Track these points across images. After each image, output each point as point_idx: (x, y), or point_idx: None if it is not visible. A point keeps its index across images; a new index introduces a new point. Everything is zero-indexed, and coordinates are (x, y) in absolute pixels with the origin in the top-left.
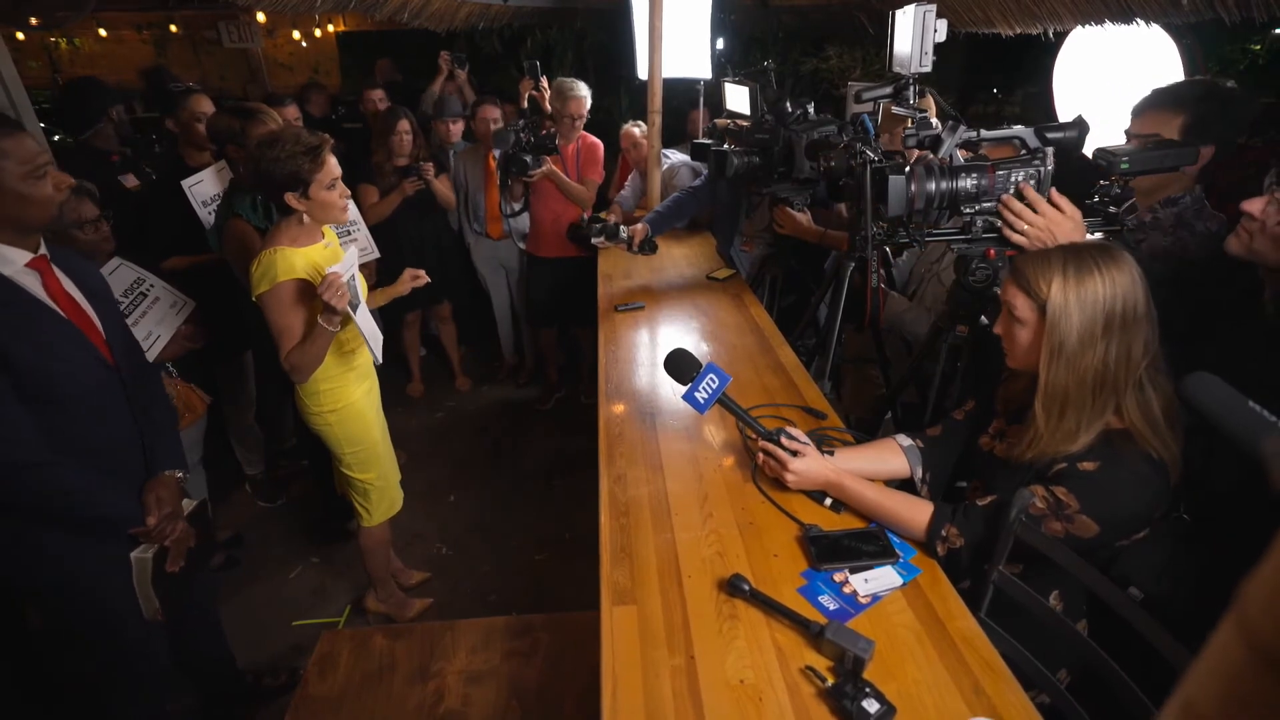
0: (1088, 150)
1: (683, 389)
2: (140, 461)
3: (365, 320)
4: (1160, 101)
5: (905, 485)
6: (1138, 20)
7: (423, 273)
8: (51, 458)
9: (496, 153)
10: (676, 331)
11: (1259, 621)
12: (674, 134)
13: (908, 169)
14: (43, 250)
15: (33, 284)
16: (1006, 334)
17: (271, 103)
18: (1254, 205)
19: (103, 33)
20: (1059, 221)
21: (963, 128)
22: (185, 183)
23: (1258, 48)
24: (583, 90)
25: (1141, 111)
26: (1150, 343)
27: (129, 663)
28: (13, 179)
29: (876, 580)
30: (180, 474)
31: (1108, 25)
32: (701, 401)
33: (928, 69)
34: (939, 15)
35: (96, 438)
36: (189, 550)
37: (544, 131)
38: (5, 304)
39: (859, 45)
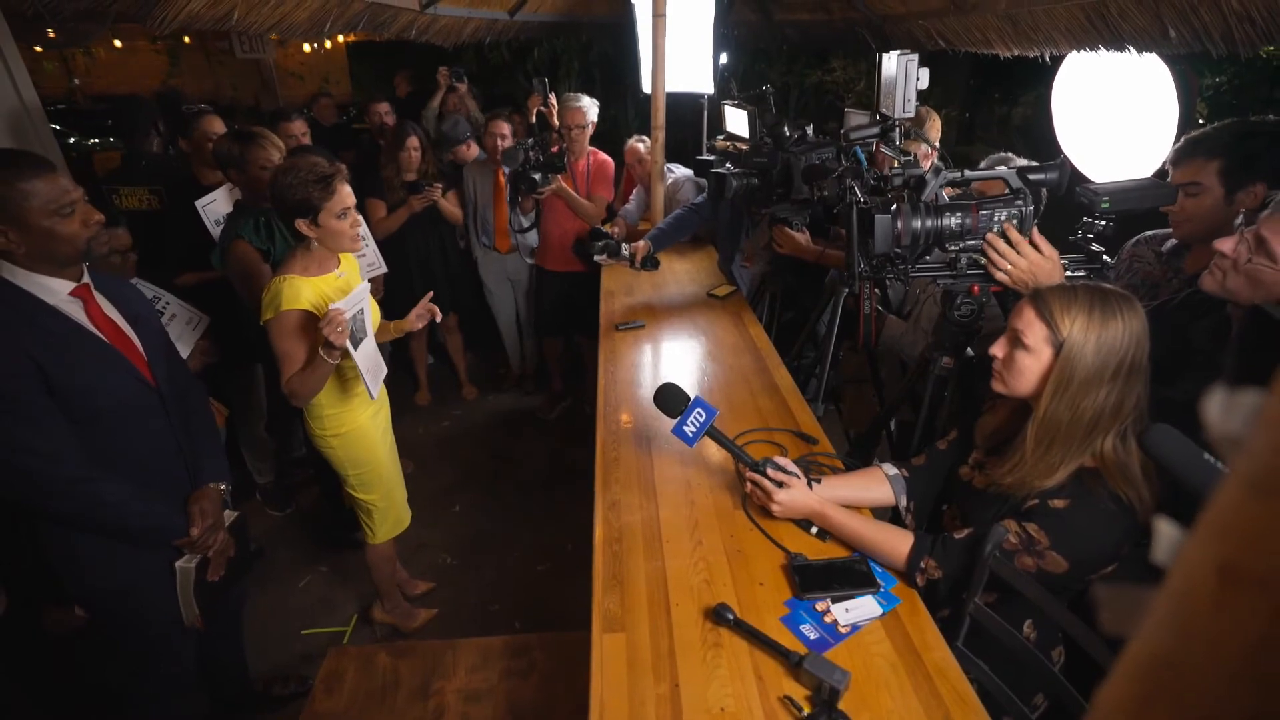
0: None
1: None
2: (183, 474)
3: (366, 356)
4: (1193, 151)
5: (892, 513)
6: (1129, 48)
7: (435, 309)
8: (98, 473)
9: (506, 169)
10: (675, 352)
11: None
12: (678, 149)
13: (893, 207)
14: (85, 279)
15: (76, 311)
16: (1007, 359)
17: (280, 116)
18: (1225, 244)
19: (118, 43)
20: (1039, 263)
21: (945, 171)
22: (199, 202)
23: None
24: (581, 101)
25: (1178, 161)
26: (1141, 398)
27: (156, 665)
28: (39, 216)
29: (857, 609)
30: (223, 485)
31: (1101, 51)
32: (690, 435)
33: (911, 115)
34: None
35: (140, 453)
36: (228, 560)
37: (554, 149)
38: (50, 331)
39: (862, 58)
